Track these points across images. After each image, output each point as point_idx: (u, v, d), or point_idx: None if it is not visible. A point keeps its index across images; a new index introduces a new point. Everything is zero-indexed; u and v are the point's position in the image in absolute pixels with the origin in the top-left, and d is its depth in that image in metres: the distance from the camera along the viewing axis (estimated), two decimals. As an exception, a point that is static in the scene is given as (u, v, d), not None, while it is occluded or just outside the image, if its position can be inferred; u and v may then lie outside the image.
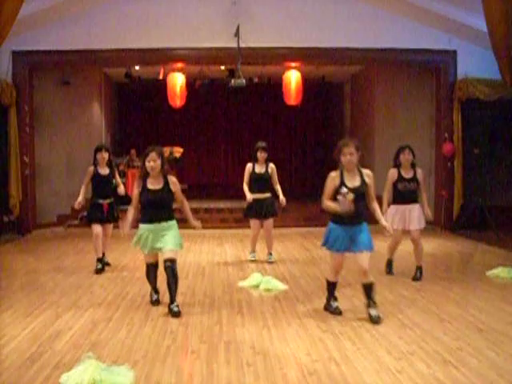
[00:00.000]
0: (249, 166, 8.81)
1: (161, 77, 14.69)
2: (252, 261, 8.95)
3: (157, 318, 5.85)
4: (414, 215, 7.49)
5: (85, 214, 8.74)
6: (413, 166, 7.51)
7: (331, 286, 6.02)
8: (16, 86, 11.91)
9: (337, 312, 5.91)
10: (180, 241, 6.13)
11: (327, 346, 4.96)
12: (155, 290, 6.48)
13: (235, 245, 10.79)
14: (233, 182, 17.49)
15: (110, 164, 8.27)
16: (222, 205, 14.26)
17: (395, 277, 7.74)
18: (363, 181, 5.64)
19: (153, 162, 6.00)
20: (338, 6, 12.22)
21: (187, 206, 6.40)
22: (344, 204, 5.41)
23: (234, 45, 11.72)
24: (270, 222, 8.83)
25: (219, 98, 17.75)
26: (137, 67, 14.34)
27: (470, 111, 12.27)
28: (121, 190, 8.42)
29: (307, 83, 15.18)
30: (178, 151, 15.59)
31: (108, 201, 8.23)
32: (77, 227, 12.87)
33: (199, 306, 6.41)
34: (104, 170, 8.19)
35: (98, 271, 8.09)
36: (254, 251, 9.13)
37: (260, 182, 8.72)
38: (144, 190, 6.08)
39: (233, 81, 12.33)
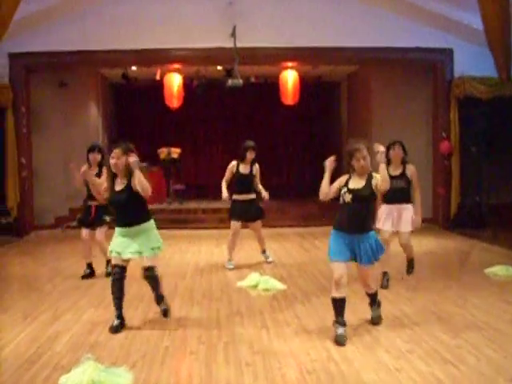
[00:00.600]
0: (233, 164, 8.51)
1: (157, 77, 14.67)
2: (231, 269, 8.39)
3: (155, 319, 5.83)
4: (403, 216, 6.99)
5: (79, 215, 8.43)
6: (403, 162, 7.05)
7: (336, 304, 5.14)
8: (13, 87, 11.91)
9: (339, 340, 4.99)
10: (157, 244, 5.60)
11: (326, 346, 4.95)
12: (119, 312, 5.59)
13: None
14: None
15: (100, 164, 7.78)
16: (219, 205, 14.25)
17: (392, 275, 7.70)
18: (368, 184, 5.17)
19: (116, 159, 5.44)
20: (333, 5, 12.23)
21: (141, 181, 5.38)
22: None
23: (231, 45, 11.71)
24: (258, 223, 8.61)
25: (216, 99, 17.72)
26: (133, 68, 14.32)
27: (467, 109, 12.28)
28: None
29: (304, 83, 15.19)
30: (175, 152, 15.57)
31: (96, 203, 7.60)
32: (74, 229, 12.83)
33: (198, 306, 6.41)
34: (94, 171, 7.67)
35: (85, 276, 7.86)
36: (231, 259, 8.60)
37: (245, 183, 8.48)
38: (112, 191, 5.56)
39: (230, 81, 12.34)
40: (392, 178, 6.64)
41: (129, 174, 5.48)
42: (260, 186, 8.61)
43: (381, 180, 5.15)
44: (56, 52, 11.92)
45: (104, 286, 7.37)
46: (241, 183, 8.50)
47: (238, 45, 11.69)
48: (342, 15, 12.21)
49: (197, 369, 4.50)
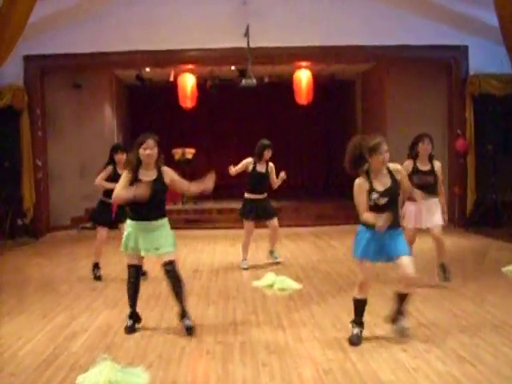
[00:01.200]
0: (249, 160, 8.42)
1: (171, 78, 14.70)
2: (245, 269, 8.40)
3: (171, 318, 5.82)
4: (434, 210, 6.88)
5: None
6: (430, 158, 6.92)
7: (357, 304, 5.05)
8: (28, 90, 11.99)
9: (353, 340, 4.95)
10: (174, 240, 5.51)
11: (342, 345, 4.94)
12: (133, 313, 5.60)
13: (248, 245, 10.77)
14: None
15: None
16: (234, 205, 14.24)
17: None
18: (394, 180, 4.88)
19: (150, 150, 5.33)
20: (347, 4, 12.18)
21: (192, 185, 5.72)
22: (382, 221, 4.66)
23: (244, 45, 11.70)
24: (274, 221, 8.54)
25: (230, 99, 17.72)
26: (147, 69, 14.36)
27: (482, 107, 12.16)
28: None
29: (318, 82, 15.15)
30: (189, 152, 15.60)
31: None
32: (90, 230, 12.89)
33: (213, 306, 6.42)
34: (121, 171, 7.72)
35: (97, 278, 7.84)
36: (246, 258, 8.60)
37: (262, 182, 8.43)
38: (136, 181, 5.32)
39: (243, 81, 12.34)
40: (421, 172, 6.77)
41: (157, 166, 5.47)
42: (275, 179, 8.54)
43: (405, 176, 5.10)
44: (70, 54, 11.99)
45: (119, 287, 7.37)
46: (257, 182, 8.44)
47: (252, 45, 11.67)
48: (356, 14, 12.17)
49: (213, 368, 4.51)
